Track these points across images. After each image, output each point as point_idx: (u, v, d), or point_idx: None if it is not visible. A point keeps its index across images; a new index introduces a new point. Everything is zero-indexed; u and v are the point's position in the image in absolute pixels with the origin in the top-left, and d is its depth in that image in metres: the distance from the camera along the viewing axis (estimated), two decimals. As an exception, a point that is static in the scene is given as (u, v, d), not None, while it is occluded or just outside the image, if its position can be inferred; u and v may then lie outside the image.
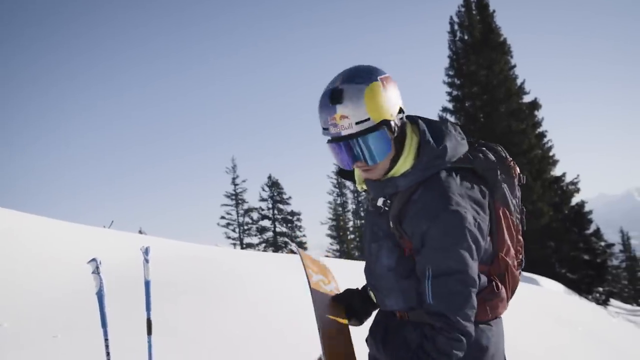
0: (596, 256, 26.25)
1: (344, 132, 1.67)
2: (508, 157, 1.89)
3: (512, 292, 1.88)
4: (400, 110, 1.74)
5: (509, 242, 1.84)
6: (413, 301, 1.77)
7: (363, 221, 2.04)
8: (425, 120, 1.85)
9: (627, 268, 41.90)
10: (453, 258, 1.63)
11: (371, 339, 1.99)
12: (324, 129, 1.72)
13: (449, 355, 1.62)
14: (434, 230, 1.63)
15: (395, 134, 1.72)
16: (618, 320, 14.75)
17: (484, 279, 1.78)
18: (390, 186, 1.75)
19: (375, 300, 1.98)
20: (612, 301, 26.73)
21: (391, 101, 1.70)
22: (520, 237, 1.93)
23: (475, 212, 1.70)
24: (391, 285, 1.81)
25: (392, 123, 1.70)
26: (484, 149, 1.87)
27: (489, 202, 1.78)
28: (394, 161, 1.76)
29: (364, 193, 1.94)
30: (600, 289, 26.38)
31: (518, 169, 1.91)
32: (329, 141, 1.75)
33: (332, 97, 1.67)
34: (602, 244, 27.28)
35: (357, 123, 1.65)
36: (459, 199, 1.67)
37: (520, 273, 1.92)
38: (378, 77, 1.69)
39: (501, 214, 1.81)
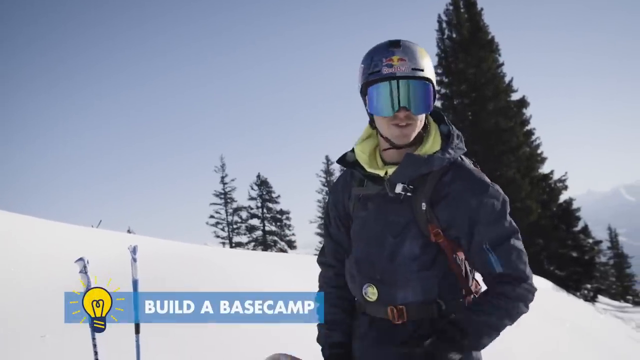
0: (584, 253, 26.52)
1: (399, 73, 1.68)
2: None
3: None
4: None
5: None
6: (432, 293, 1.73)
7: (360, 214, 1.90)
8: None
9: (614, 265, 42.23)
10: (508, 221, 1.70)
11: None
12: (373, 72, 1.71)
13: (525, 300, 1.67)
14: (486, 205, 1.68)
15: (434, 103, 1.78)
16: (606, 317, 14.91)
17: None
18: (428, 164, 1.71)
19: (372, 298, 1.81)
20: (600, 298, 27.01)
21: (433, 72, 1.77)
22: None
23: None
24: (410, 276, 1.73)
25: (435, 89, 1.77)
26: None
27: None
28: (419, 137, 1.79)
29: (363, 180, 1.85)
30: (589, 286, 26.68)
31: None
32: (375, 81, 1.71)
33: (392, 43, 1.72)
34: (590, 241, 27.59)
35: (413, 69, 1.69)
36: None
37: None
38: None
39: None
